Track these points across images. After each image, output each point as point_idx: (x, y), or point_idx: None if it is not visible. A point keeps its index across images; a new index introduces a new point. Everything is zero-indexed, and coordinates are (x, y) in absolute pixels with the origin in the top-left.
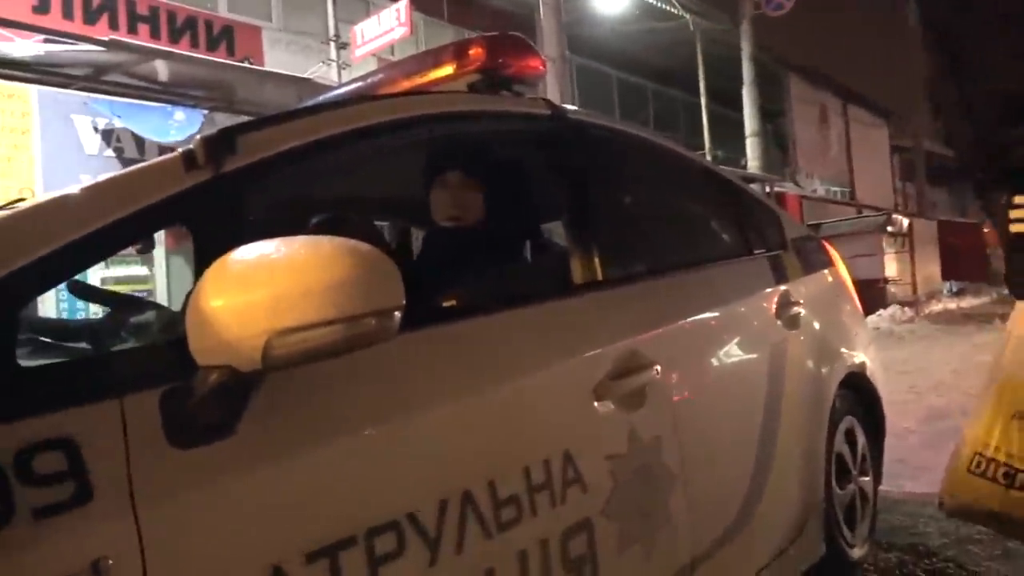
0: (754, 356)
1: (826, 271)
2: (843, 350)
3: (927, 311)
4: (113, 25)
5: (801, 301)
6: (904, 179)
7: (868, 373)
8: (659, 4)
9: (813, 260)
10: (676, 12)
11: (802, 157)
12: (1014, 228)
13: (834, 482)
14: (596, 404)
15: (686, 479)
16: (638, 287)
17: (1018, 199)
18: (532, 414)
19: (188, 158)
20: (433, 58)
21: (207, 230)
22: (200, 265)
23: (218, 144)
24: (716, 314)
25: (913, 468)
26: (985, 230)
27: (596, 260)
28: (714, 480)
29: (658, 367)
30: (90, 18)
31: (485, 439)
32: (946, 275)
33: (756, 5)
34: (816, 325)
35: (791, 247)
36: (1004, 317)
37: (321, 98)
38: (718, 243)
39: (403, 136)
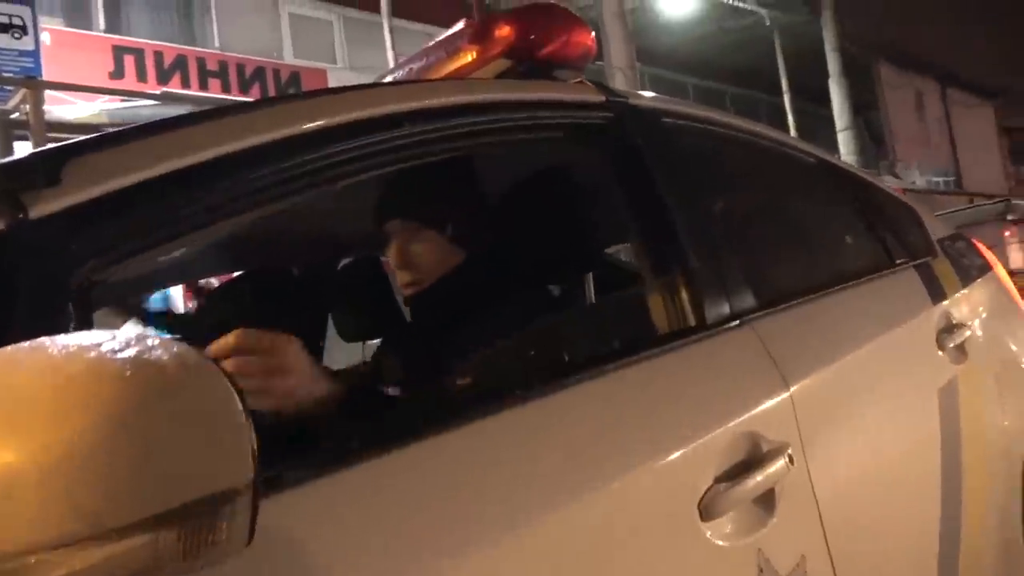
0: (919, 409)
1: (986, 278)
2: None
3: None
4: (185, 83)
5: (967, 322)
6: (1016, 162)
7: None
8: (731, 1)
9: (969, 266)
10: (750, 9)
11: (900, 147)
12: None
13: None
14: (705, 527)
15: None
16: (747, 330)
17: None
18: (597, 563)
19: None
20: (447, 46)
21: None
22: None
23: (24, 174)
24: (863, 354)
25: None
26: None
27: (684, 297)
28: None
29: (790, 451)
30: (163, 77)
31: None
32: None
33: None
34: (990, 352)
35: (940, 252)
36: None
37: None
38: (850, 256)
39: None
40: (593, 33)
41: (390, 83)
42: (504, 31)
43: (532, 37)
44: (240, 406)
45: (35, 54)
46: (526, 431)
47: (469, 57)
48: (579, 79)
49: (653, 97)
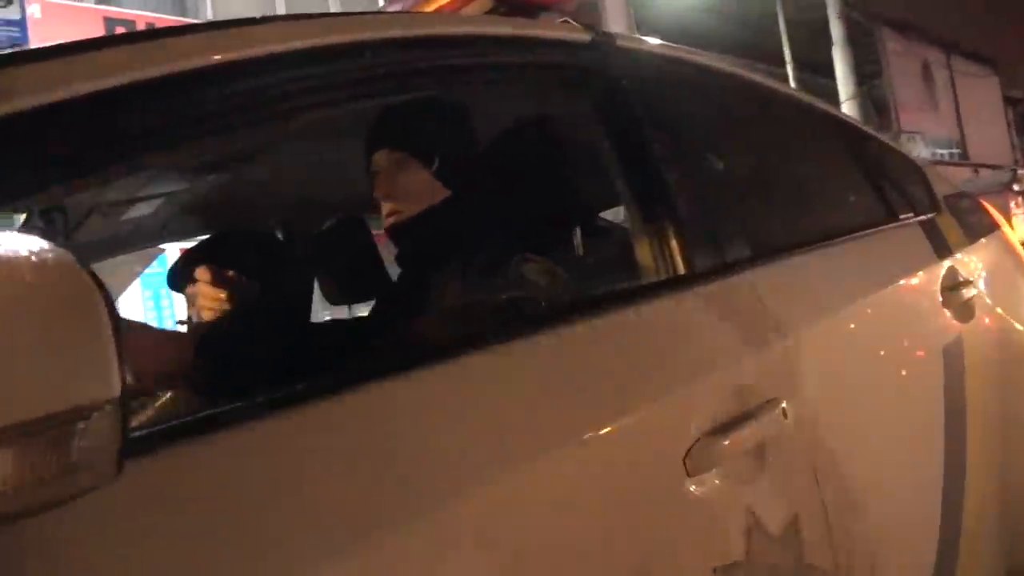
0: (923, 368)
1: (993, 236)
2: None
3: None
4: None
5: (972, 280)
6: (1021, 133)
7: None
8: None
9: (975, 223)
10: None
11: (905, 117)
12: None
13: None
14: (690, 482)
15: None
16: (740, 280)
17: None
18: (575, 517)
19: None
20: None
21: None
22: None
23: None
24: (862, 308)
25: None
26: None
27: (674, 245)
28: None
29: (783, 404)
30: None
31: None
32: None
33: None
34: (997, 312)
35: (945, 208)
36: None
37: None
38: (851, 209)
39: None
40: None
41: (375, 12)
42: None
43: None
44: (105, 314)
45: (21, 23)
46: (507, 376)
47: None
48: (565, 19)
49: (642, 39)
